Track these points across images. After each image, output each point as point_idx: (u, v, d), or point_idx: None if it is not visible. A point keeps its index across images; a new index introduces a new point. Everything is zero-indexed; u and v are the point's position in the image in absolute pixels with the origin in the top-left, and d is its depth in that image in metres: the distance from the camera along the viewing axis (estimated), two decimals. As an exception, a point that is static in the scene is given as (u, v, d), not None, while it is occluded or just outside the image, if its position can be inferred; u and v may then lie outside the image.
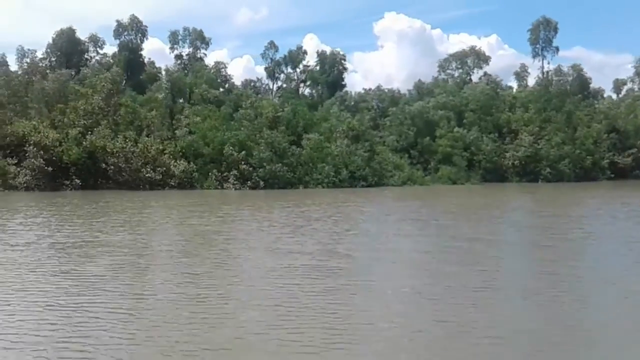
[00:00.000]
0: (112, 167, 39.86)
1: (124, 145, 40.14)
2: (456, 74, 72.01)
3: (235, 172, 40.36)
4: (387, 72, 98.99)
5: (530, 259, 15.47)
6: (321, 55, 76.84)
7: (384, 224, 22.43)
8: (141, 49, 78.57)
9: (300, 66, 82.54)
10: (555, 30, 75.28)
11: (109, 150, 40.14)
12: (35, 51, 75.97)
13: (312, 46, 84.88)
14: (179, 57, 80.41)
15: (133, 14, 76.97)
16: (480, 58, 72.05)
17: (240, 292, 11.02)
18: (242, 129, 42.56)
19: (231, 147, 40.71)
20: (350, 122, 47.56)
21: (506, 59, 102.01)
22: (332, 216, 23.92)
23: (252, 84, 77.23)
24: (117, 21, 76.95)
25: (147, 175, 39.85)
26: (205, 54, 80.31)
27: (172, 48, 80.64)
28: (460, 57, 72.88)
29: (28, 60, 77.87)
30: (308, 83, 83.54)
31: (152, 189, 39.75)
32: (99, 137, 40.97)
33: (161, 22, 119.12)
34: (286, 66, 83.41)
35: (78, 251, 15.31)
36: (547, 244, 17.09)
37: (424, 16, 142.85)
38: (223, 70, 64.31)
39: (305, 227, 20.35)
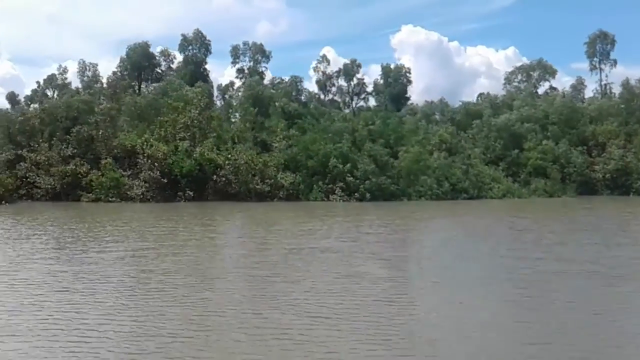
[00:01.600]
0: (223, 178, 40.77)
1: (236, 157, 41.08)
2: (522, 87, 72.27)
3: (341, 184, 40.99)
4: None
5: None
6: (385, 69, 77.64)
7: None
8: (205, 63, 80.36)
9: (354, 79, 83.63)
10: (613, 43, 75.33)
11: (220, 162, 41.12)
12: (97, 65, 78.07)
13: (329, 59, 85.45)
14: (240, 71, 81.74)
15: (197, 29, 78.80)
16: (547, 71, 72.32)
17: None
18: (343, 141, 43.22)
19: (336, 160, 41.39)
20: (441, 134, 48.03)
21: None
22: (513, 227, 24.31)
23: (316, 96, 78.22)
24: (183, 35, 78.87)
25: (257, 187, 40.69)
26: (266, 67, 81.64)
27: (233, 62, 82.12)
28: (526, 70, 73.23)
29: (89, 73, 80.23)
30: (362, 96, 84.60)
31: (259, 200, 40.50)
32: (207, 150, 42.01)
33: (178, 36, 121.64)
34: (337, 79, 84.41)
35: (326, 255, 15.91)
36: None
37: (441, 29, 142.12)
38: (299, 83, 65.34)
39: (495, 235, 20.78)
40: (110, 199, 39.16)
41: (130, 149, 42.59)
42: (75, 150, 41.96)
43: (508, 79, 73.55)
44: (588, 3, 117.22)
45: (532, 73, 73.00)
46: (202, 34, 79.88)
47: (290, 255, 15.89)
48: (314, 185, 41.82)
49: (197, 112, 47.05)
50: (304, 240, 19.57)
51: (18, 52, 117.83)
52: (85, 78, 78.46)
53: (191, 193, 40.17)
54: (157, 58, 74.07)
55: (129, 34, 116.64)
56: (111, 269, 13.54)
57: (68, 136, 42.37)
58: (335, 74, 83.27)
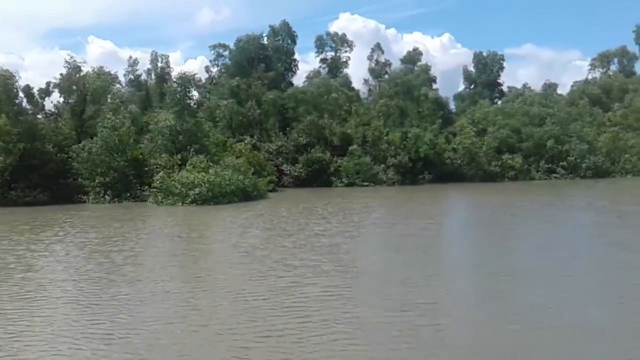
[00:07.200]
0: (457, 161, 43.26)
1: (472, 141, 43.60)
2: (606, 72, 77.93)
3: (563, 163, 44.37)
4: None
5: None
6: (478, 56, 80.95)
7: None
8: (294, 53, 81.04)
9: (417, 67, 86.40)
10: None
11: (453, 147, 43.57)
12: (168, 56, 77.74)
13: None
14: (324, 60, 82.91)
15: (284, 19, 78.93)
16: (629, 57, 78.15)
17: None
18: (550, 124, 46.52)
19: (553, 141, 44.70)
20: (610, 116, 52.26)
21: (459, 58, 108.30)
22: None
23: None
24: (270, 26, 79.13)
25: (491, 168, 43.42)
26: (349, 57, 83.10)
27: (317, 52, 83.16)
28: (607, 57, 78.87)
29: (160, 64, 79.63)
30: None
31: (482, 181, 43.11)
32: (434, 135, 44.33)
33: (112, 24, 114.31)
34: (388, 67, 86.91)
35: None
36: None
37: (378, 16, 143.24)
38: (431, 72, 67.65)
39: None
40: (363, 184, 40.89)
41: (352, 135, 44.27)
42: (309, 139, 43.16)
43: (593, 65, 79.04)
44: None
45: (612, 59, 78.87)
46: (288, 25, 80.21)
47: None
48: (532, 166, 45.03)
49: (387, 100, 49.19)
50: None
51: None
52: (158, 69, 77.79)
53: (430, 175, 42.49)
54: (269, 50, 74.09)
55: (58, 23, 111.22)
56: None
57: (302, 125, 43.50)
58: (390, 63, 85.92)
